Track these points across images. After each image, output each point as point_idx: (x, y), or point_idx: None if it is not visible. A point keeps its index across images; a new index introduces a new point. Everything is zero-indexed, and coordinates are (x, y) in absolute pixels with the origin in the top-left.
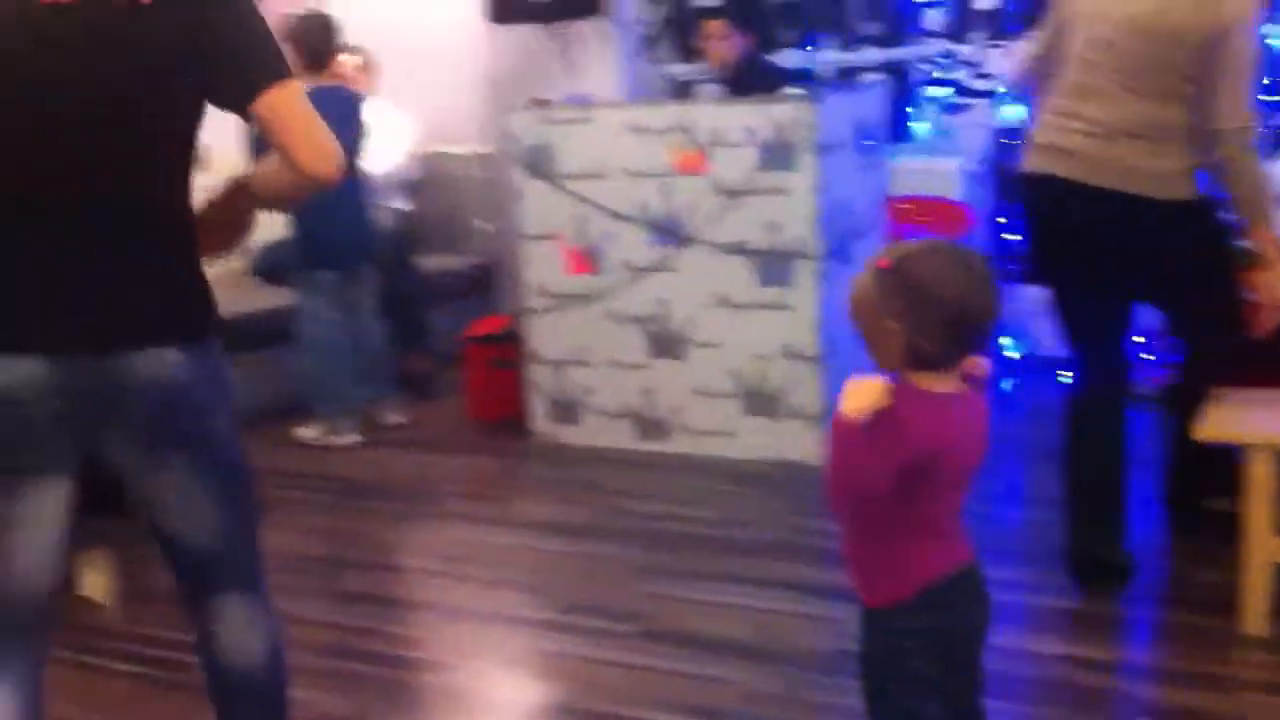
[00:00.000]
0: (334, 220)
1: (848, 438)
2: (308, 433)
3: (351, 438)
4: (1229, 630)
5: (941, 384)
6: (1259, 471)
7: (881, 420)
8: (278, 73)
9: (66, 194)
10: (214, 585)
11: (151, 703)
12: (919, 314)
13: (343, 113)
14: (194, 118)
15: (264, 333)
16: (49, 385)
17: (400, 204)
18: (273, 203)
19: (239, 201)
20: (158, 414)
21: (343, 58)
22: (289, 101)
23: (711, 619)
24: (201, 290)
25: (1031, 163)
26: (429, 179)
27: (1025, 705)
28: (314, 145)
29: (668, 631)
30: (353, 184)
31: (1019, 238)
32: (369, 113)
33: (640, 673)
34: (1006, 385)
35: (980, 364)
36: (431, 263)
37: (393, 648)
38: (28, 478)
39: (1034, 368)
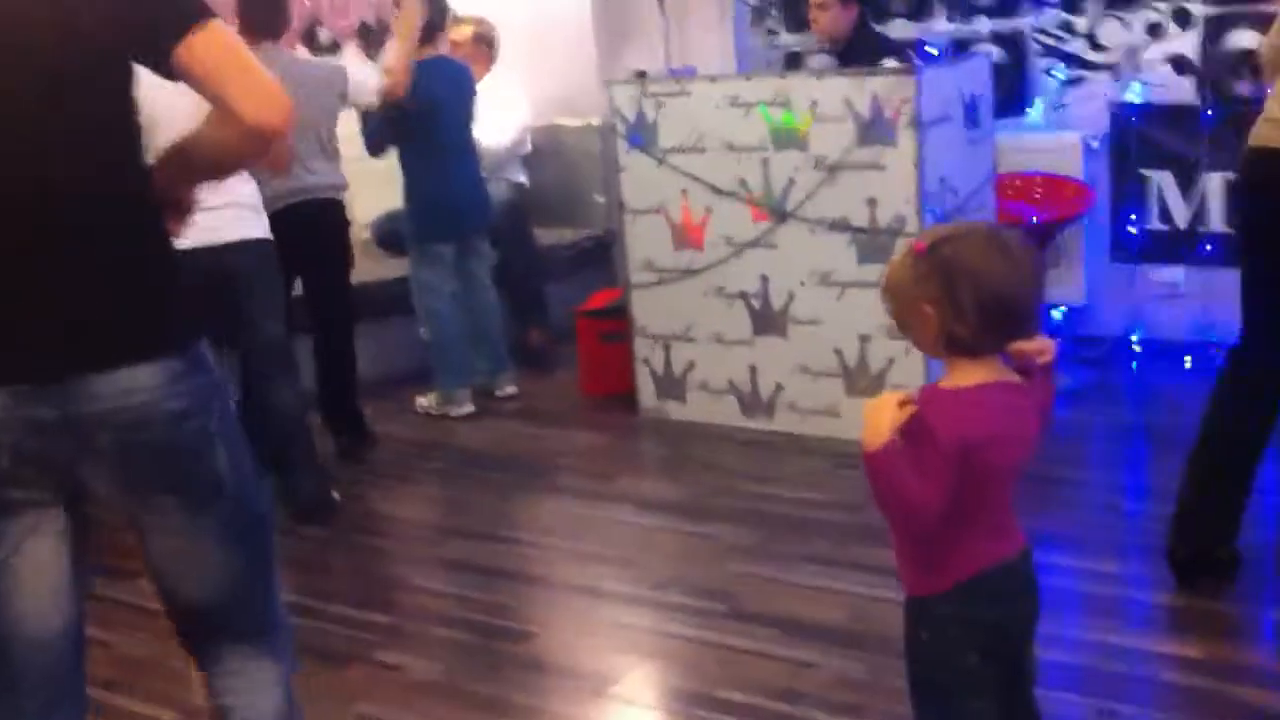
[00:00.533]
0: (450, 191)
1: (883, 468)
2: (425, 402)
3: (467, 408)
4: None
5: (980, 372)
6: None
7: (914, 434)
8: (192, 15)
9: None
10: (217, 639)
11: None
12: (953, 298)
13: (454, 82)
14: (130, 92)
15: (386, 302)
16: (10, 419)
17: (516, 177)
18: (214, 170)
19: (175, 176)
20: (133, 447)
21: (455, 29)
22: (215, 45)
23: (802, 602)
24: (173, 291)
25: (1263, 137)
26: (545, 151)
27: (1124, 704)
28: (256, 92)
29: (757, 612)
30: (467, 155)
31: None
32: (485, 86)
33: (725, 652)
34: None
35: (1046, 348)
36: (549, 236)
37: (485, 616)
38: (8, 518)
39: (1156, 353)
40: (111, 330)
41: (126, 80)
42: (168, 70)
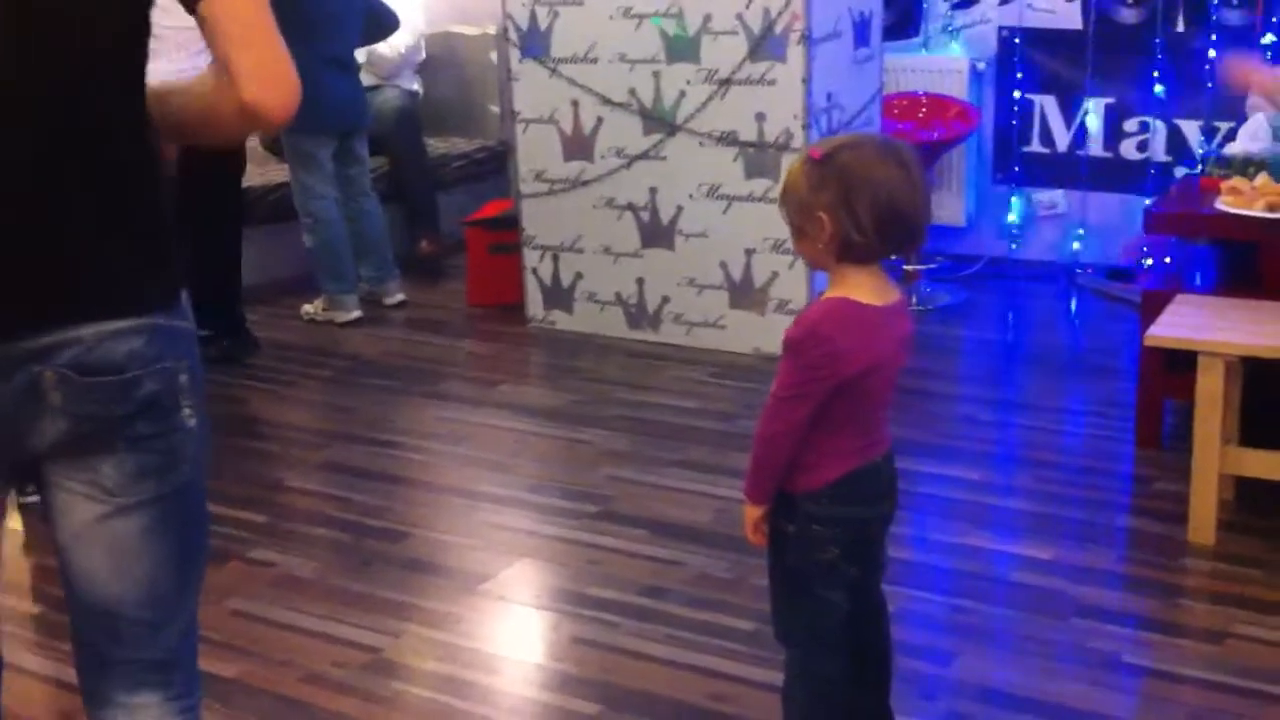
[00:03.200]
0: (320, 84)
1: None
2: (310, 309)
3: (354, 314)
4: (1177, 538)
5: (866, 280)
6: (1209, 380)
7: (817, 352)
8: None
9: None
10: (118, 670)
11: None
12: (849, 204)
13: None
14: (137, 15)
15: (271, 207)
16: None
17: (409, 84)
18: (188, 133)
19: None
20: (91, 391)
21: None
22: (244, 3)
23: (671, 504)
24: (162, 241)
25: None
26: (441, 60)
27: (975, 602)
28: (266, 71)
29: (627, 514)
30: (344, 54)
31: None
32: None
33: (594, 551)
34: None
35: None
36: (443, 145)
37: (361, 516)
38: None
39: (1032, 274)
40: (83, 279)
41: (141, 19)
42: (190, 7)
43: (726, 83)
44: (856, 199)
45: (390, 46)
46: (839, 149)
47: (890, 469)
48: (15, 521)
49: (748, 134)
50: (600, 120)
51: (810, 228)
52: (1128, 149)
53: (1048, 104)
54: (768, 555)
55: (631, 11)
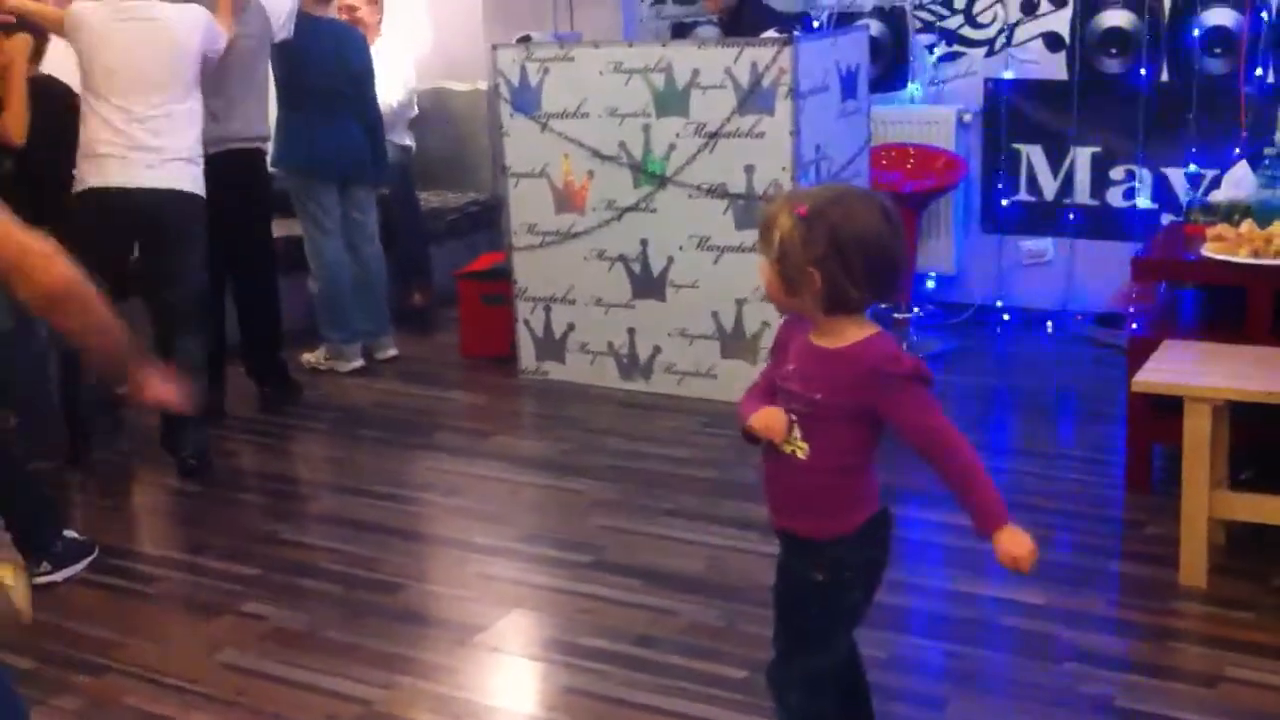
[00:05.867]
0: (314, 138)
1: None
2: (312, 358)
3: (356, 363)
4: (1168, 581)
5: (857, 327)
6: (1195, 424)
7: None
8: None
9: None
10: None
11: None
12: (843, 259)
13: (331, 39)
14: None
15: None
16: None
17: (402, 139)
18: None
19: None
20: None
21: None
22: None
23: (663, 553)
24: None
25: None
26: (432, 115)
27: (967, 647)
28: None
29: (619, 563)
30: (342, 109)
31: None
32: (373, 49)
33: (587, 600)
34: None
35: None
36: (435, 199)
37: (351, 567)
38: None
39: (1021, 321)
40: None
41: None
42: None
43: (715, 136)
44: (849, 253)
45: (383, 102)
46: (826, 205)
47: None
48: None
49: (737, 186)
50: (591, 173)
51: (801, 282)
52: (1114, 197)
53: (1034, 153)
54: (785, 607)
55: (622, 66)
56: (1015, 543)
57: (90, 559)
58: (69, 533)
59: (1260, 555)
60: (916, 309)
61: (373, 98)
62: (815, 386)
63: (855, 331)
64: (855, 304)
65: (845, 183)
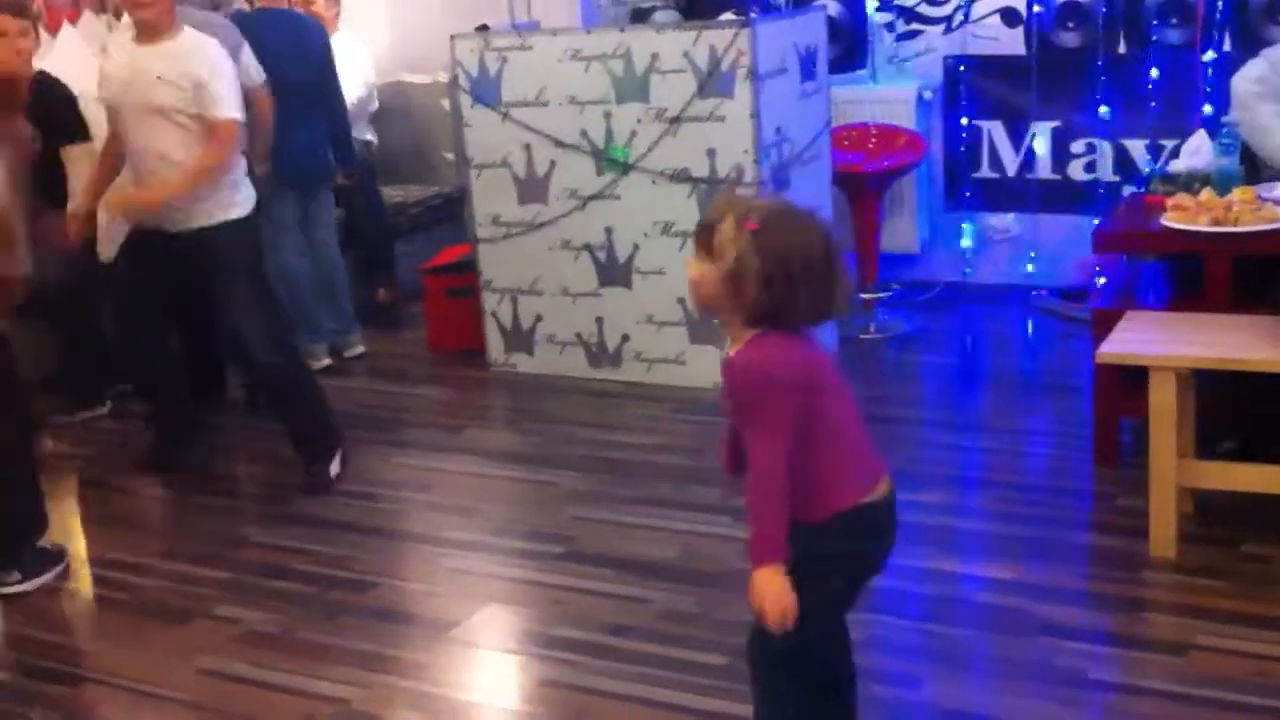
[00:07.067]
0: (286, 141)
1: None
2: None
3: (324, 362)
4: (1138, 552)
5: (747, 336)
6: (1160, 394)
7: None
8: None
9: None
10: None
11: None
12: (789, 278)
13: (291, 32)
14: None
15: None
16: None
17: (363, 134)
18: None
19: None
20: None
21: None
22: None
23: (636, 541)
24: None
25: None
26: (393, 109)
27: (929, 623)
28: None
29: (592, 553)
30: (308, 108)
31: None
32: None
33: (560, 592)
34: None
35: None
36: (398, 193)
37: (324, 567)
38: None
39: (985, 298)
40: None
41: None
42: None
43: (676, 120)
44: (796, 273)
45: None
46: (775, 221)
47: (892, 507)
48: None
49: (700, 170)
50: (554, 162)
51: (744, 293)
52: (1075, 170)
53: (995, 130)
54: None
55: (581, 54)
56: (768, 589)
57: (60, 568)
58: (39, 543)
59: (1229, 523)
60: (883, 289)
61: (337, 86)
62: (725, 396)
63: (742, 336)
64: (790, 322)
65: (775, 196)
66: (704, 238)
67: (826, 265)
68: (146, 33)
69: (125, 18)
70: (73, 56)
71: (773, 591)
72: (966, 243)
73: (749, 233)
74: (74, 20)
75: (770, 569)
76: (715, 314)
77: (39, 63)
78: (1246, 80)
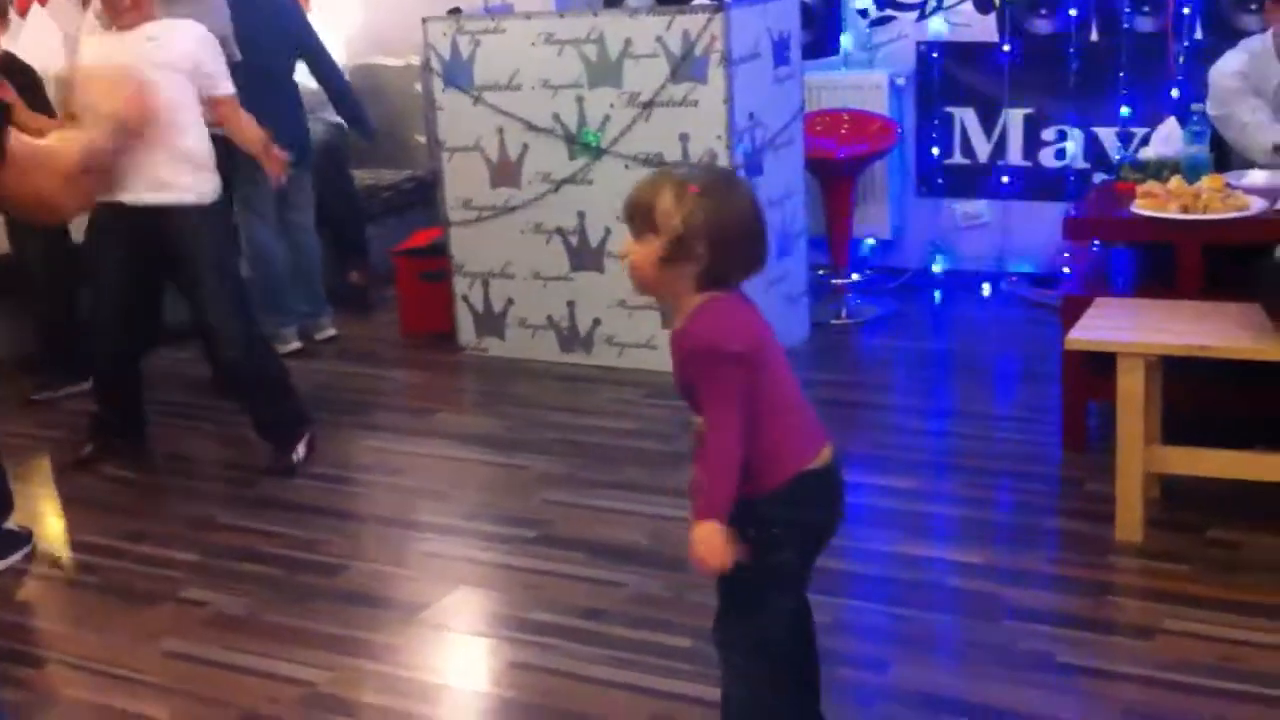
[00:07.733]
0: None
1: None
2: None
3: (293, 345)
4: (1106, 537)
5: (694, 302)
6: (1128, 380)
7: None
8: None
9: None
10: None
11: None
12: (725, 236)
13: (271, 15)
14: None
15: None
16: None
17: (334, 117)
18: None
19: None
20: None
21: None
22: None
23: (608, 526)
24: None
25: None
26: (365, 92)
27: (910, 609)
28: None
29: (563, 537)
30: (281, 87)
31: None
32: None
33: (532, 575)
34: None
35: None
36: (370, 176)
37: (292, 550)
38: None
39: (957, 283)
40: None
41: None
42: None
43: (649, 105)
44: (732, 230)
45: (311, 79)
46: (713, 183)
47: (838, 477)
48: None
49: (672, 155)
50: (526, 146)
51: (687, 259)
52: (1046, 158)
53: (967, 116)
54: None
55: (554, 37)
56: (712, 540)
57: (26, 550)
58: (6, 524)
59: (1195, 508)
60: (855, 274)
61: (324, 54)
62: (674, 367)
63: (689, 305)
64: (733, 280)
65: (715, 164)
66: (641, 216)
67: (758, 220)
68: (128, 23)
69: (90, 14)
70: (41, 38)
71: (715, 543)
72: (938, 229)
73: (692, 195)
74: (43, 2)
75: (712, 523)
76: (660, 291)
77: (7, 44)
78: (1225, 75)
